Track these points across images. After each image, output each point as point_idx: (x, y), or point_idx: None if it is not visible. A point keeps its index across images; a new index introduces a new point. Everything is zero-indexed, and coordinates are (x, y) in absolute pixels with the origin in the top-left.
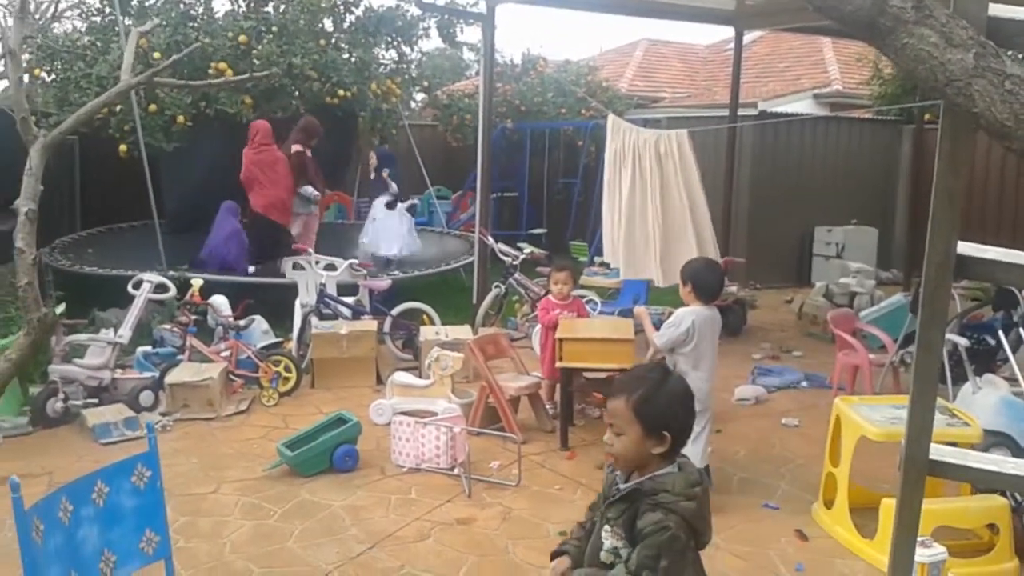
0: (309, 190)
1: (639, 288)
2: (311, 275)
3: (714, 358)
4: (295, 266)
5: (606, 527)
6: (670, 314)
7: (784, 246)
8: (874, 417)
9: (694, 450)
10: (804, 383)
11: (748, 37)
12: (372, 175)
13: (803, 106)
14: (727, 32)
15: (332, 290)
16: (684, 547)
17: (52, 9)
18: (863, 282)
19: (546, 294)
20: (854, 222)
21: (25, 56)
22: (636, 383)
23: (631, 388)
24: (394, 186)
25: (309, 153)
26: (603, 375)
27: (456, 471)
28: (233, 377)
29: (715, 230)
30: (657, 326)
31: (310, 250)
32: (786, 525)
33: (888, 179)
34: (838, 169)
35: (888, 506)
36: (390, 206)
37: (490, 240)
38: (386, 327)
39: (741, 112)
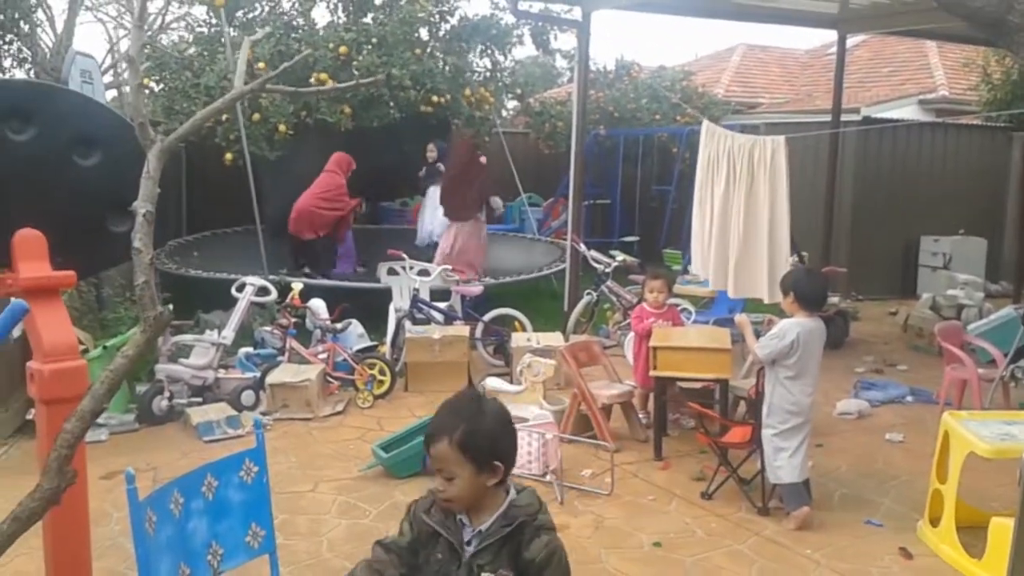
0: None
1: (736, 298)
2: (405, 280)
3: (817, 371)
4: (390, 271)
5: (484, 575)
6: (770, 322)
7: (888, 256)
8: (984, 433)
9: (793, 463)
10: (909, 398)
11: (851, 41)
12: (425, 168)
13: (908, 112)
14: (828, 36)
15: (425, 295)
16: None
17: (160, 21)
18: (971, 294)
19: (639, 302)
20: (962, 232)
21: (146, 63)
22: (453, 420)
23: (450, 427)
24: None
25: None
26: (698, 385)
27: (548, 478)
28: (330, 379)
29: (816, 239)
30: (758, 336)
31: (404, 255)
32: (890, 543)
33: (997, 187)
34: (945, 177)
35: (999, 525)
36: None
37: (582, 247)
38: (478, 332)
39: (844, 118)
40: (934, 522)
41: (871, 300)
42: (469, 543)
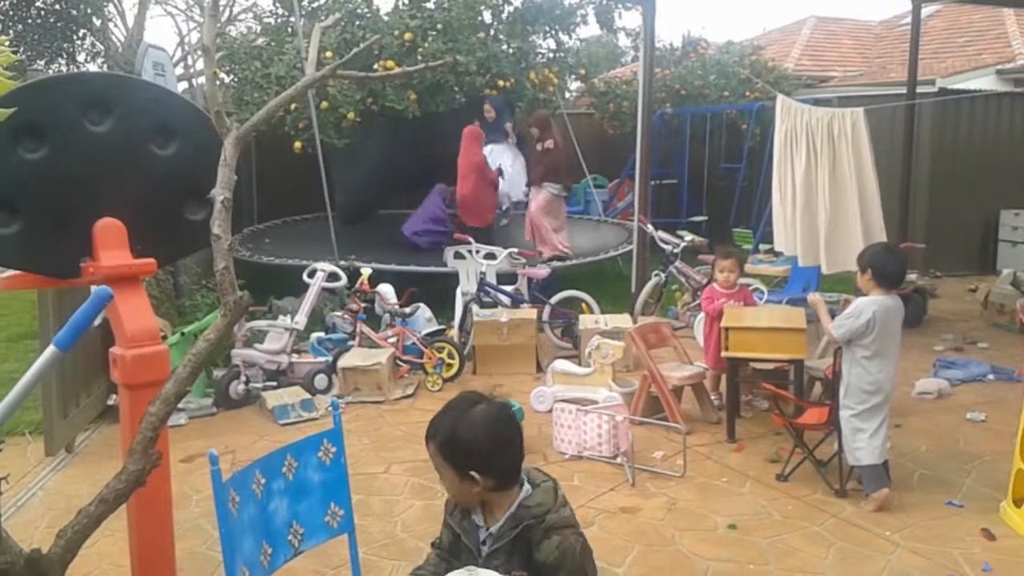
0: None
1: (809, 275)
2: (472, 264)
3: (896, 350)
4: (456, 255)
5: None
6: (846, 302)
7: (967, 231)
8: None
9: (873, 445)
10: (991, 376)
11: (925, 11)
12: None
13: (985, 82)
14: (901, 6)
15: (492, 278)
16: (585, 544)
17: (228, 12)
18: None
19: (710, 282)
20: None
21: (217, 54)
22: (442, 422)
23: (437, 429)
24: (513, 136)
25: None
26: (772, 366)
27: (619, 459)
28: (400, 362)
29: (892, 214)
30: (833, 315)
31: (471, 239)
32: (971, 524)
33: None
34: None
35: None
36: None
37: (649, 228)
38: (545, 315)
39: (920, 90)
40: (1018, 503)
41: (950, 276)
42: (484, 543)
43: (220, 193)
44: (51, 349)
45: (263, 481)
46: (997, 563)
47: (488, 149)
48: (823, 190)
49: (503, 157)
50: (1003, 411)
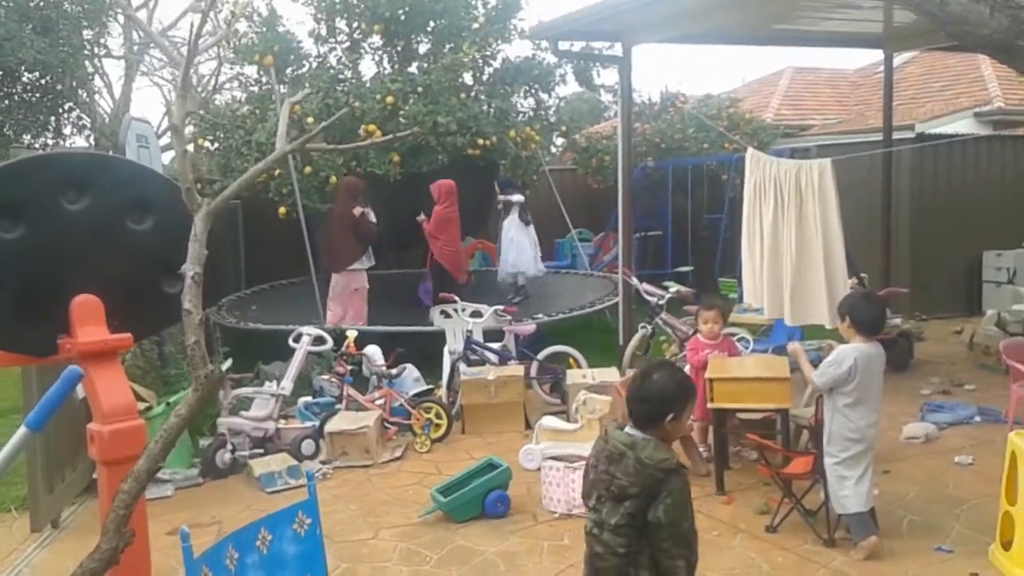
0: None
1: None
2: (458, 322)
3: (878, 397)
4: (443, 313)
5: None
6: (829, 348)
7: (950, 273)
8: None
9: (858, 492)
10: (977, 418)
11: (901, 58)
12: (508, 202)
13: (964, 126)
14: (875, 55)
15: (479, 336)
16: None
17: (213, 82)
18: None
19: (694, 333)
20: None
21: (189, 129)
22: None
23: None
24: (517, 197)
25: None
26: (759, 415)
27: None
28: (388, 424)
29: (875, 259)
30: (815, 363)
31: (456, 298)
32: (961, 569)
33: None
34: (1005, 190)
35: None
36: (523, 219)
37: (634, 280)
38: (533, 371)
39: (898, 135)
40: (1006, 545)
41: (935, 319)
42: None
43: (191, 268)
44: (23, 430)
45: (236, 556)
46: None
47: (506, 223)
48: (789, 241)
49: (513, 232)
50: (991, 453)
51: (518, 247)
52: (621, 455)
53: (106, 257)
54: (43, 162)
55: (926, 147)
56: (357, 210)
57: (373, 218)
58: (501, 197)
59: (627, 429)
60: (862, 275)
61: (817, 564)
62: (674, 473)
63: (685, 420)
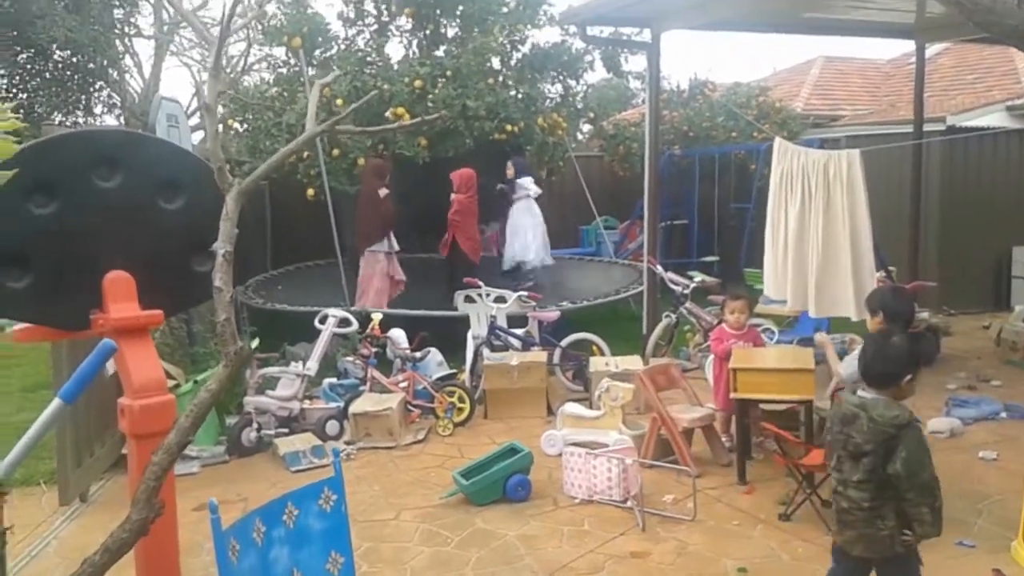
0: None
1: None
2: (482, 308)
3: None
4: (467, 299)
5: None
6: (852, 342)
7: (979, 268)
8: None
9: None
10: (1003, 414)
11: (933, 49)
12: (511, 183)
13: (996, 119)
14: (908, 46)
15: (502, 322)
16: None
17: (242, 63)
18: None
19: (720, 323)
20: None
21: (219, 110)
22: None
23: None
24: (534, 189)
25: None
26: (781, 407)
27: (629, 503)
28: (411, 407)
29: (903, 253)
30: (841, 355)
31: (480, 283)
32: (983, 563)
33: None
34: None
35: None
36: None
37: (659, 269)
38: (556, 358)
39: (928, 128)
40: None
41: (964, 314)
42: None
43: (222, 246)
44: (57, 402)
45: (263, 529)
46: None
47: (514, 208)
48: (815, 233)
49: (520, 218)
50: (1015, 449)
51: (524, 236)
52: (854, 416)
53: (137, 234)
54: (76, 139)
55: (957, 140)
56: (382, 191)
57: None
58: (519, 181)
59: (859, 392)
60: (891, 268)
61: None
62: (907, 427)
63: (918, 381)
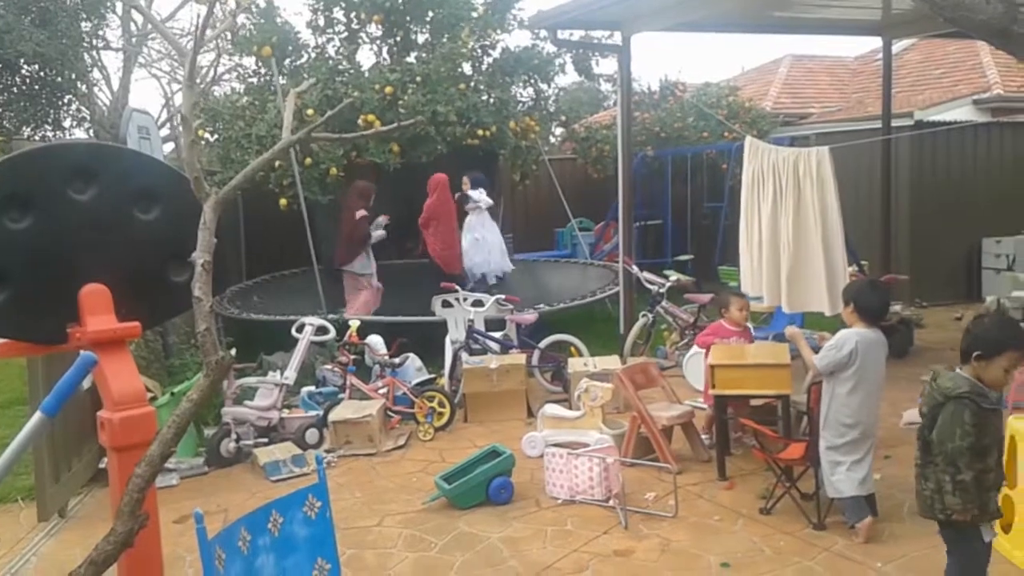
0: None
1: (794, 312)
2: (460, 312)
3: (879, 384)
4: (444, 303)
5: None
6: (822, 339)
7: (950, 261)
8: None
9: (852, 477)
10: None
11: (899, 45)
12: (458, 196)
13: (963, 113)
14: (876, 42)
15: (480, 325)
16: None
17: (212, 73)
18: None
19: (696, 321)
20: None
21: (198, 119)
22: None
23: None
24: (485, 200)
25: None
26: (761, 402)
27: (611, 502)
28: (391, 413)
29: (874, 247)
30: (814, 349)
31: (457, 287)
32: None
33: None
34: (1004, 176)
35: None
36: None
37: (634, 269)
38: (534, 360)
39: (897, 123)
40: (1005, 528)
41: (936, 306)
42: None
43: (200, 256)
44: (38, 415)
45: (249, 538)
46: None
47: (468, 221)
48: (787, 229)
49: (479, 232)
50: None
51: (485, 248)
52: (929, 384)
53: (113, 246)
54: (50, 153)
55: (925, 134)
56: (360, 212)
57: (382, 228)
58: (470, 193)
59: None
60: (863, 263)
61: (819, 548)
62: (953, 399)
63: (996, 365)
